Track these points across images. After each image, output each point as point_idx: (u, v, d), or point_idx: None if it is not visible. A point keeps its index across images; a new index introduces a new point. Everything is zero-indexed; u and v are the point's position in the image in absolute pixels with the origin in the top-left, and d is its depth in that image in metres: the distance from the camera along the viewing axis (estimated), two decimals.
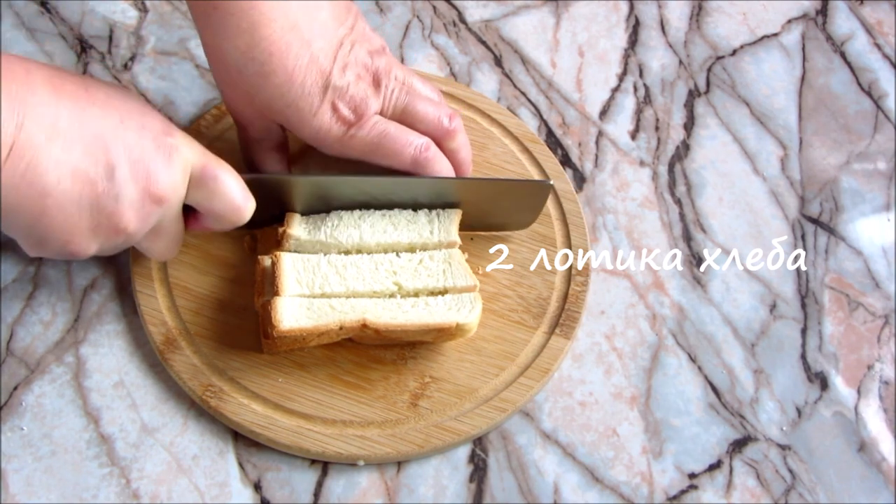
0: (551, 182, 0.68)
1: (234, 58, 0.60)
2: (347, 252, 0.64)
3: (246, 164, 0.68)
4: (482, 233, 0.69)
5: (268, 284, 0.62)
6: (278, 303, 0.60)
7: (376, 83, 0.64)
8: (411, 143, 0.64)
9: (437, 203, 0.67)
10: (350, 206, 0.66)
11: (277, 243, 0.65)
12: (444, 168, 0.66)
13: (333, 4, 0.63)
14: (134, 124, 0.56)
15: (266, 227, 0.66)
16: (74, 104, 0.54)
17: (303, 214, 0.66)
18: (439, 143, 0.66)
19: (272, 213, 0.65)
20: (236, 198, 0.59)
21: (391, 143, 0.64)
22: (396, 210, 0.66)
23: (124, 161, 0.54)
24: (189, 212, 0.61)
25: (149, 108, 0.58)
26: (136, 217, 0.56)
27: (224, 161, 0.59)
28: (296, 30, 0.60)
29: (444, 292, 0.63)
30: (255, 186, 0.61)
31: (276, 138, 0.66)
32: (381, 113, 0.64)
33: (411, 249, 0.65)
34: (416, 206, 0.67)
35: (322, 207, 0.66)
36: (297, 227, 0.65)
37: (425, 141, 0.65)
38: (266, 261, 0.63)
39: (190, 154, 0.57)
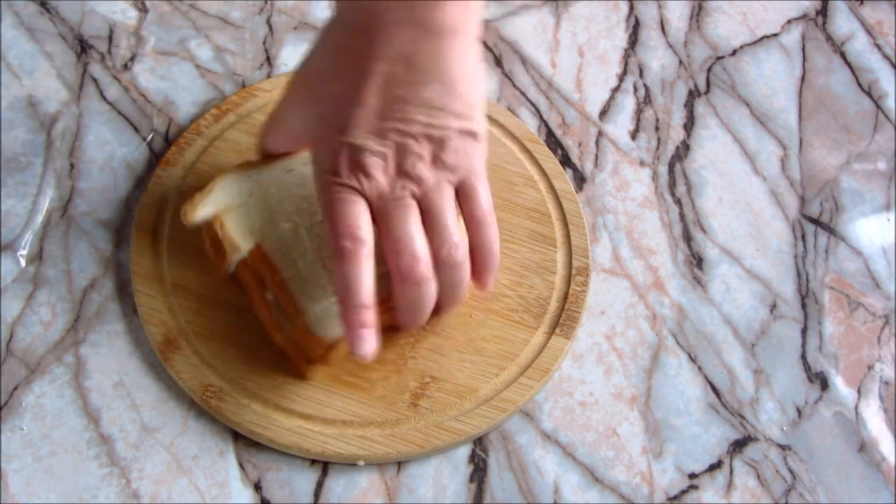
0: None
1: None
2: None
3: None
4: None
5: (281, 317, 0.61)
6: (312, 316, 0.59)
7: (399, 175, 0.56)
8: (350, 233, 0.55)
9: None
10: None
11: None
12: (361, 278, 0.55)
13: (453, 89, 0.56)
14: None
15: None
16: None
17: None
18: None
19: None
20: None
21: (333, 215, 0.56)
22: None
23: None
24: None
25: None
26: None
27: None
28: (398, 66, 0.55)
29: None
30: None
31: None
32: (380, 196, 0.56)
33: None
34: None
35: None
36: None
37: (366, 238, 0.55)
38: (269, 295, 0.62)
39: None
